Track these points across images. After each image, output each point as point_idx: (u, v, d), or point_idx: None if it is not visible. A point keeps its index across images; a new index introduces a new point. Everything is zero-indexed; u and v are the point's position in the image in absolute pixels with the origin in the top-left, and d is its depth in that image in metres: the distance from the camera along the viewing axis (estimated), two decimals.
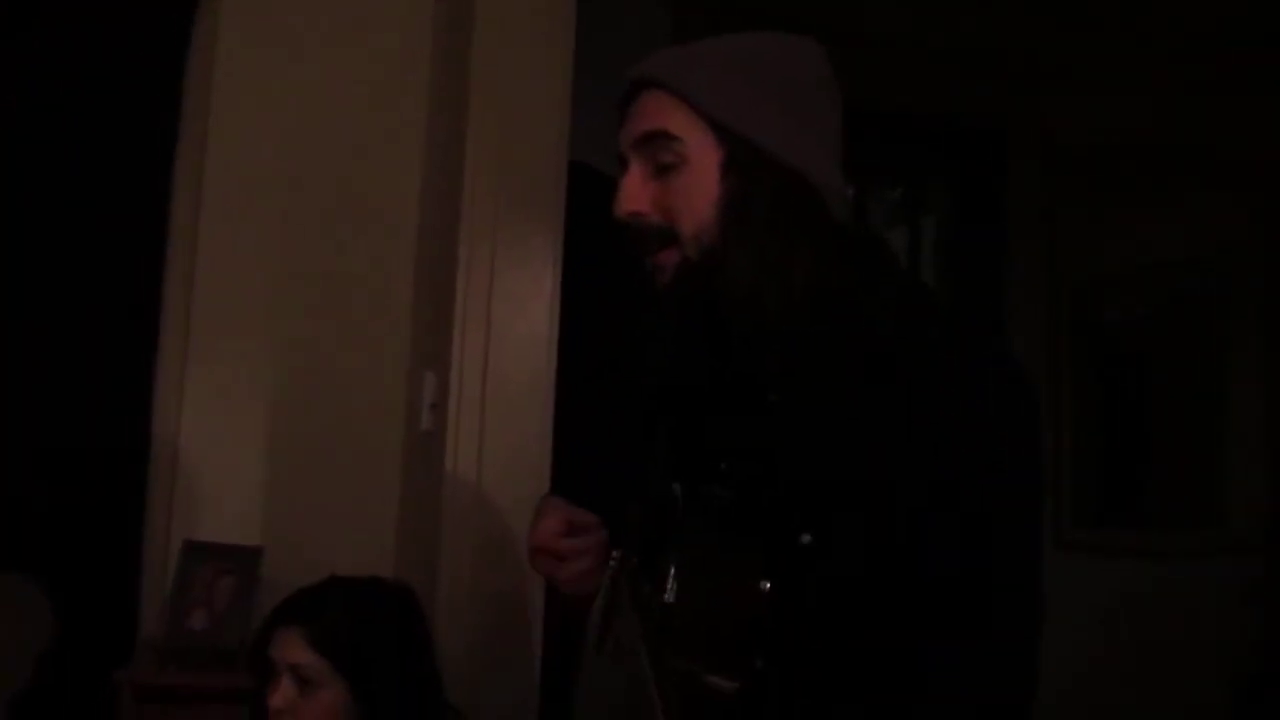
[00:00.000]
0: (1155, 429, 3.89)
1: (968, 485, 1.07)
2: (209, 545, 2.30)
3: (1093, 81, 3.79)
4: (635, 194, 1.21)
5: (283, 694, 1.68)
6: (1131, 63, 3.76)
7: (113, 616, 2.33)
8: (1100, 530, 3.86)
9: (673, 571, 1.12)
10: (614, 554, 1.23)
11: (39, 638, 2.24)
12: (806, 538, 1.06)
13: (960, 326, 1.16)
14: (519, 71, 2.39)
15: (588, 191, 2.50)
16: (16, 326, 2.35)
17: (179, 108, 2.46)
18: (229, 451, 2.42)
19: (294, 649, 1.69)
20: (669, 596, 1.12)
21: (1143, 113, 3.79)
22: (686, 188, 1.19)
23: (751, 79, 1.19)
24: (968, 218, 3.91)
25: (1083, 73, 3.78)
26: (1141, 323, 3.91)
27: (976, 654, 1.05)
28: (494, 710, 2.14)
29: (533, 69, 2.38)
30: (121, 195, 2.42)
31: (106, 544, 2.36)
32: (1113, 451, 3.93)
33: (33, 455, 2.34)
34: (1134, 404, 3.91)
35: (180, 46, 2.47)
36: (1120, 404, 3.93)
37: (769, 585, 1.07)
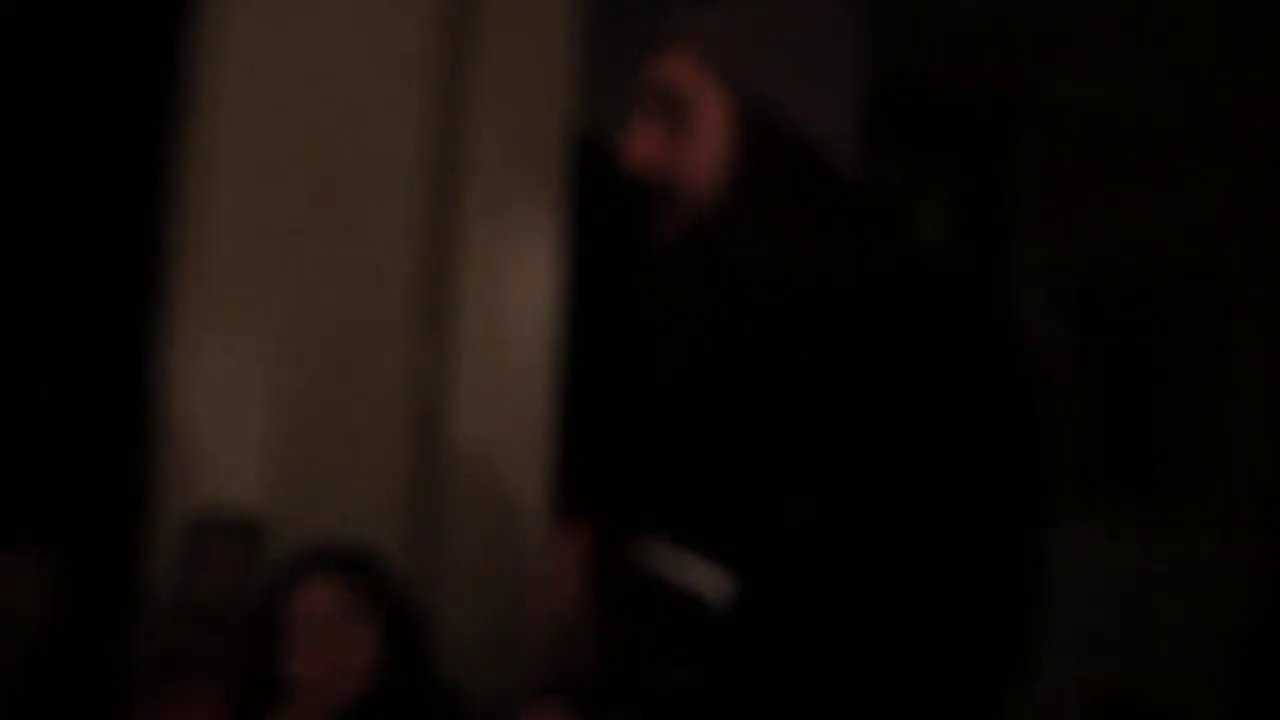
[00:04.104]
0: (1157, 407, 3.91)
1: (958, 462, 1.04)
2: (213, 515, 2.31)
3: (1104, 58, 3.78)
4: (641, 149, 1.18)
5: (310, 647, 1.66)
6: (1141, 40, 3.76)
7: (117, 586, 2.34)
8: (1100, 507, 3.87)
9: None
10: None
11: (42, 606, 2.24)
12: (791, 523, 1.05)
13: (961, 295, 1.12)
14: (524, 41, 2.38)
15: (595, 167, 2.50)
16: (20, 291, 2.35)
17: (183, 71, 2.46)
18: (232, 423, 2.42)
19: (324, 594, 1.67)
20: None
21: (1151, 90, 3.79)
22: (694, 151, 1.16)
23: (772, 34, 1.15)
24: (976, 191, 3.91)
25: (1095, 49, 3.77)
26: (1147, 300, 3.92)
27: (961, 630, 1.03)
28: (496, 684, 2.15)
29: (538, 36, 2.38)
30: (127, 163, 2.42)
31: (110, 513, 2.36)
32: (1115, 429, 3.94)
33: (35, 424, 2.34)
34: (1137, 381, 3.93)
35: (182, 9, 2.47)
36: (1123, 381, 3.94)
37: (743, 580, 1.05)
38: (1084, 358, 3.95)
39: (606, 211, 2.26)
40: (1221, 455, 3.85)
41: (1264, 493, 3.79)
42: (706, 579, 1.07)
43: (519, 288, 2.39)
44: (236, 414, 2.42)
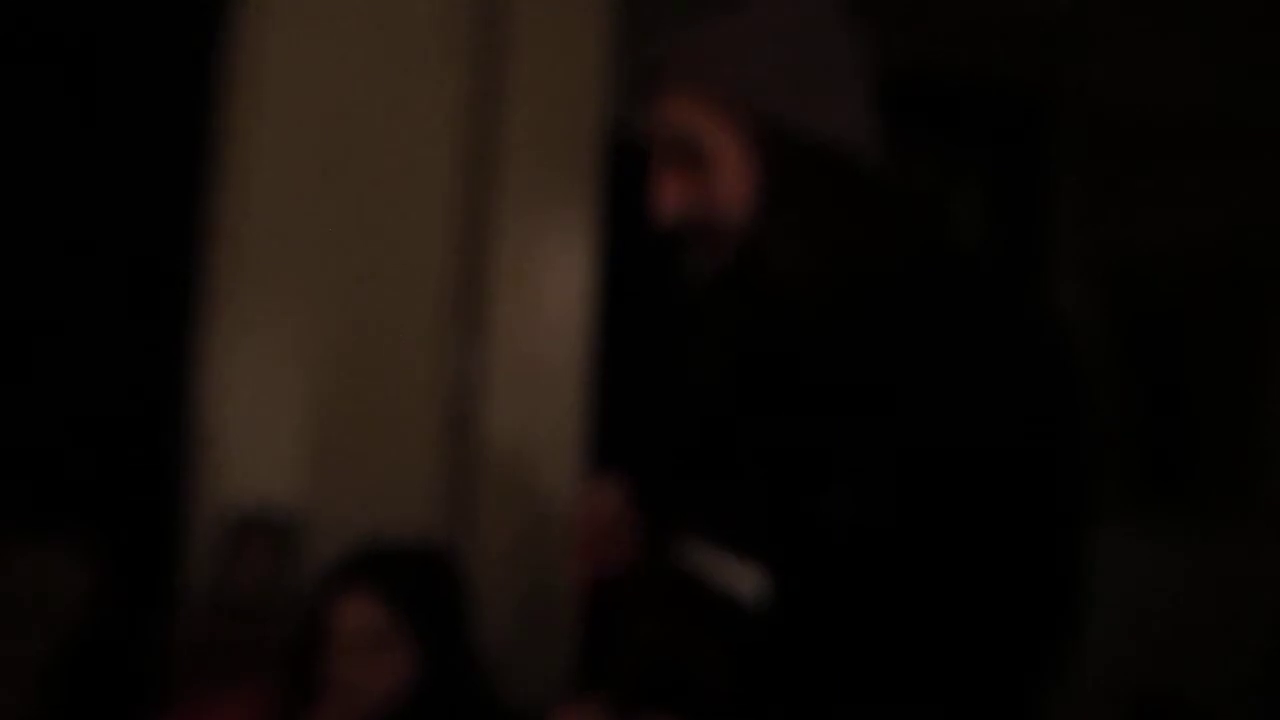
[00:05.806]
0: (1193, 406, 3.87)
1: (995, 460, 1.03)
2: (250, 513, 2.32)
3: (1138, 50, 3.74)
4: (667, 202, 1.18)
5: (350, 658, 1.66)
6: (1176, 32, 3.72)
7: (155, 580, 2.36)
8: (1134, 506, 3.84)
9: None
10: None
11: (82, 599, 2.26)
12: (827, 523, 1.05)
13: (995, 291, 1.12)
14: (557, 38, 2.38)
15: (629, 164, 2.50)
16: (60, 286, 2.37)
17: (219, 70, 2.47)
18: (268, 420, 2.44)
19: (366, 609, 1.67)
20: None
21: (1189, 84, 3.75)
22: (719, 185, 1.16)
23: (766, 46, 1.15)
24: (1010, 185, 3.88)
25: (1129, 41, 3.73)
26: (1182, 296, 3.88)
27: (997, 632, 1.03)
28: (530, 677, 2.16)
29: (571, 33, 2.38)
30: (165, 163, 2.44)
31: (149, 506, 2.38)
32: (1150, 427, 3.90)
33: (75, 417, 2.36)
34: (1172, 378, 3.89)
35: (219, 6, 2.48)
36: (1158, 378, 3.90)
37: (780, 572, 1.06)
38: (1118, 354, 3.92)
39: (640, 209, 2.27)
40: (1258, 454, 3.80)
41: None
42: (742, 578, 1.07)
43: (553, 284, 2.40)
44: (273, 412, 2.44)
